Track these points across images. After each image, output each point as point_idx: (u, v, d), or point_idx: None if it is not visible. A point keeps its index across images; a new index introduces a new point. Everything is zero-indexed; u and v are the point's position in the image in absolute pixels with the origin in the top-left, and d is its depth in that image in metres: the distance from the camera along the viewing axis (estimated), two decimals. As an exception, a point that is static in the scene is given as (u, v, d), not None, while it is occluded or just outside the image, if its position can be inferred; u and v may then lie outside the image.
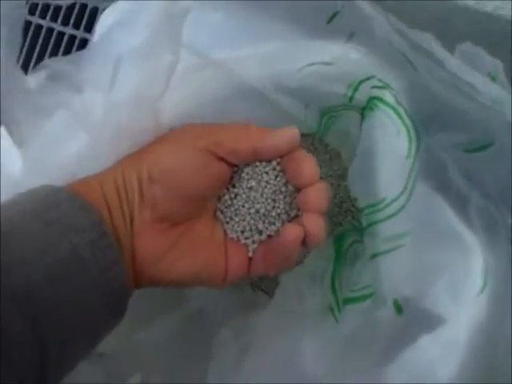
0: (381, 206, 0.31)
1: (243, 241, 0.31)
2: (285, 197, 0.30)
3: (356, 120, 0.34)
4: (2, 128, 0.31)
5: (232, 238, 0.31)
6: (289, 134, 0.29)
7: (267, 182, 0.30)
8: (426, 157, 0.30)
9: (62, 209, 0.26)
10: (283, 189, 0.30)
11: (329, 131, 0.39)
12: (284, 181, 0.30)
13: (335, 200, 0.41)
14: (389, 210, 0.31)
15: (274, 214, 0.30)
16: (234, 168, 0.30)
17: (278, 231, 0.30)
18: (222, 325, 0.35)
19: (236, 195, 0.31)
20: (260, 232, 0.31)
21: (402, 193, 0.31)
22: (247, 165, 0.30)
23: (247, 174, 0.30)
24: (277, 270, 0.31)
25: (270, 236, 0.30)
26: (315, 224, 0.28)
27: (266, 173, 0.30)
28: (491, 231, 0.27)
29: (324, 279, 0.34)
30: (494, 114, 0.26)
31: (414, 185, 0.31)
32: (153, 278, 0.29)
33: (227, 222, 0.31)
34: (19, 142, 0.31)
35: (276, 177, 0.30)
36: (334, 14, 0.30)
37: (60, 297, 0.24)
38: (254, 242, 0.31)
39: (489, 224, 0.27)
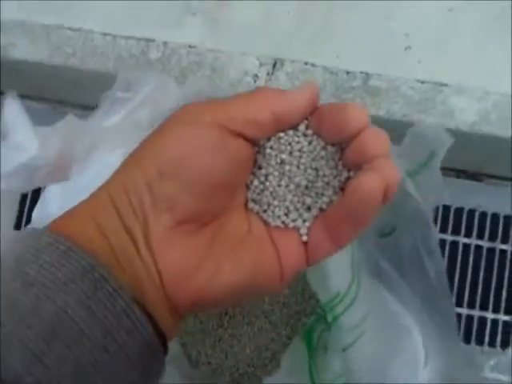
0: (337, 299, 0.36)
1: (291, 224, 0.26)
2: (327, 161, 0.25)
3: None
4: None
5: (277, 226, 0.26)
6: (310, 88, 0.24)
7: (301, 151, 0.25)
8: (360, 247, 0.36)
9: (42, 259, 0.21)
10: (323, 153, 0.25)
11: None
12: (322, 143, 0.25)
13: (297, 288, 0.45)
14: (345, 302, 0.35)
15: (320, 184, 0.25)
16: (255, 148, 0.26)
17: (331, 202, 0.25)
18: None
19: (267, 176, 0.26)
20: (309, 208, 0.26)
21: (351, 284, 0.36)
22: (268, 140, 0.25)
23: (272, 148, 0.25)
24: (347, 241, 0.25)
25: (322, 210, 0.25)
26: (390, 165, 0.22)
27: (297, 142, 0.25)
28: (419, 309, 0.33)
29: (302, 374, 0.38)
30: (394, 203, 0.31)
31: (359, 274, 0.36)
32: (196, 298, 0.23)
33: (265, 211, 0.26)
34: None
35: (310, 142, 0.25)
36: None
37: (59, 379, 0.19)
38: (304, 221, 0.25)
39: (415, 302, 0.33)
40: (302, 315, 0.43)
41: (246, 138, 0.24)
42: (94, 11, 0.44)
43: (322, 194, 0.25)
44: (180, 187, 0.23)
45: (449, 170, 0.50)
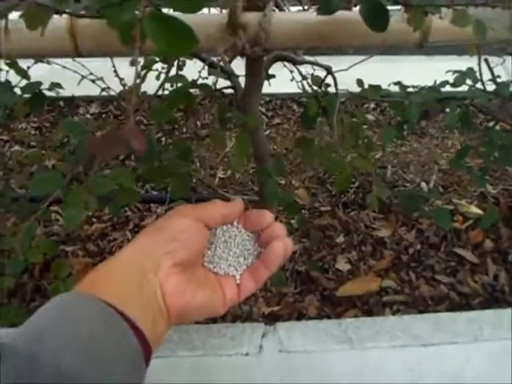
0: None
1: (231, 273, 0.47)
2: (249, 241, 0.48)
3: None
4: None
5: (224, 274, 0.47)
6: (239, 203, 0.48)
7: (235, 236, 0.48)
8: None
9: (80, 306, 0.37)
10: (247, 237, 0.48)
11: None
12: (247, 232, 0.48)
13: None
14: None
15: (246, 253, 0.48)
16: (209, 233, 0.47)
17: (252, 262, 0.47)
18: None
19: (216, 248, 0.48)
20: (240, 265, 0.47)
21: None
22: (216, 229, 0.48)
23: (218, 234, 0.48)
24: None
25: (247, 266, 0.47)
26: (288, 239, 0.46)
27: (233, 231, 0.48)
28: None
29: None
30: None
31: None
32: (182, 310, 0.42)
33: (215, 267, 0.47)
34: None
35: (240, 231, 0.48)
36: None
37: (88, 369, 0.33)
38: (237, 270, 0.47)
39: None
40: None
41: (207, 227, 0.46)
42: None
43: (247, 258, 0.48)
44: (181, 245, 0.43)
45: None
